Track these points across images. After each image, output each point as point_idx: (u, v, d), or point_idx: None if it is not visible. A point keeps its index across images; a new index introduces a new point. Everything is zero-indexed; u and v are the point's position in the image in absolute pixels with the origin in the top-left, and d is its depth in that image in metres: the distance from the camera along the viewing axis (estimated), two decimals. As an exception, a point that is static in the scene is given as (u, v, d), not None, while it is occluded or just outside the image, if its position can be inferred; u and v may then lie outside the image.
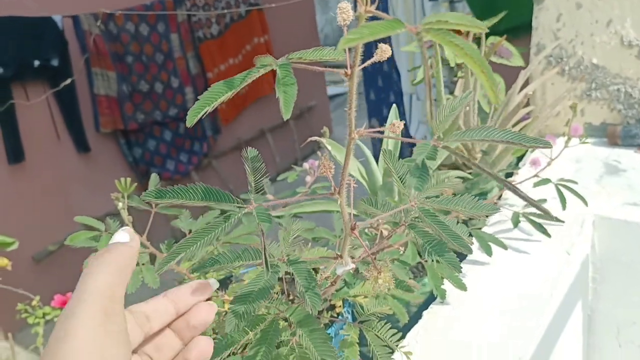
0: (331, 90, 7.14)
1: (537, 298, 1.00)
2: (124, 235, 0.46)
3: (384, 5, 3.09)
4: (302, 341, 0.62)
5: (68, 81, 3.11)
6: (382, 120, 2.88)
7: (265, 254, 0.47)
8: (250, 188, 0.50)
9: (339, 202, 0.49)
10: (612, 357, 1.27)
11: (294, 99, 0.41)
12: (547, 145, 0.46)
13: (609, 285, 1.25)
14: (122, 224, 0.85)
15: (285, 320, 0.58)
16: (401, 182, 0.56)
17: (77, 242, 0.77)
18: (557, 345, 1.08)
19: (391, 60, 3.13)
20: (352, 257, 0.58)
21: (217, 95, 0.42)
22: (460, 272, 0.54)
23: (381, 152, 1.16)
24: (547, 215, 1.10)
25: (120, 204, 0.82)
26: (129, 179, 0.85)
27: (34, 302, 1.74)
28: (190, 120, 0.42)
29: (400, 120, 0.58)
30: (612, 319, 1.26)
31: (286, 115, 0.40)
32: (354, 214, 1.21)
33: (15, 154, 3.41)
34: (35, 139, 3.53)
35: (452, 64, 1.38)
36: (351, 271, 0.57)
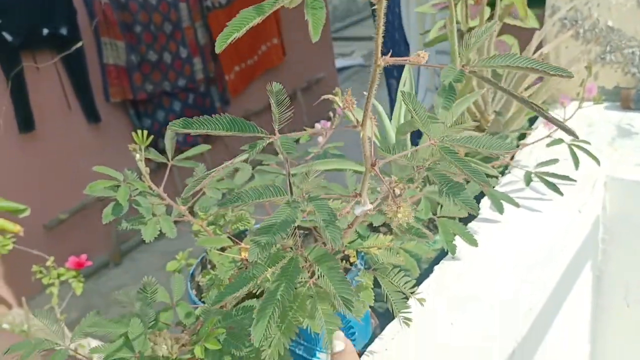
0: (339, 62, 7.10)
1: (547, 257, 1.01)
2: (340, 344, 0.54)
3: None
4: (321, 280, 0.63)
5: (79, 44, 3.10)
6: (392, 89, 2.87)
7: (289, 178, 0.47)
8: (274, 118, 0.51)
9: (361, 135, 0.50)
10: (620, 316, 1.28)
11: (322, 22, 0.41)
12: (569, 75, 0.46)
13: (619, 247, 1.26)
14: (140, 175, 0.86)
15: (305, 260, 0.59)
16: (421, 122, 0.57)
17: (96, 190, 0.78)
18: (566, 304, 1.10)
19: (401, 30, 3.10)
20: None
21: (247, 21, 0.43)
22: (478, 212, 0.55)
23: (398, 95, 1.16)
24: (561, 177, 1.11)
25: (137, 156, 0.83)
26: (145, 131, 0.86)
27: (48, 263, 1.77)
28: (220, 45, 0.42)
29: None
30: (621, 279, 1.27)
31: (315, 37, 0.40)
32: (361, 172, 1.22)
33: (26, 123, 3.43)
34: (46, 109, 3.54)
35: (464, 29, 1.37)
36: (369, 212, 0.58)
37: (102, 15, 3.69)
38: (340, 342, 0.52)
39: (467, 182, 1.11)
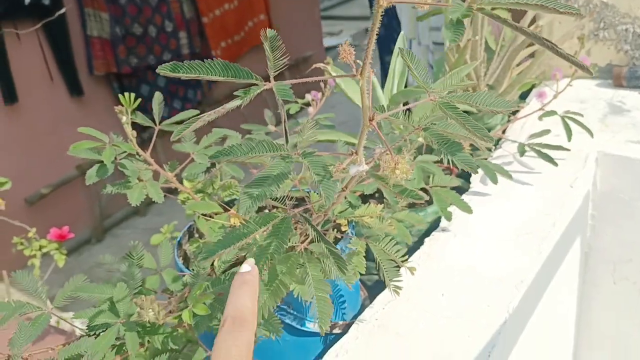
0: (327, 41, 7.03)
1: (538, 230, 1.00)
2: (247, 267, 0.53)
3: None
4: (313, 244, 0.62)
5: (62, 10, 3.01)
6: (386, 65, 2.84)
7: (284, 127, 0.45)
8: (270, 64, 0.49)
9: (360, 85, 0.48)
10: (607, 293, 1.29)
11: None
12: (577, 11, 0.45)
13: (607, 223, 1.26)
14: (125, 138, 0.84)
15: (297, 223, 0.57)
16: (420, 79, 0.55)
17: (79, 151, 0.76)
18: (555, 278, 1.10)
19: (392, 9, 3.06)
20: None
21: None
22: (477, 171, 0.53)
23: (391, 66, 1.14)
24: (555, 147, 1.10)
25: (124, 118, 0.80)
26: (132, 94, 0.83)
27: (30, 234, 1.73)
28: None
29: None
30: (609, 256, 1.28)
31: None
32: (352, 144, 1.20)
33: (9, 95, 3.35)
34: (28, 81, 3.46)
35: None
36: (364, 174, 0.56)
37: (86, -15, 3.61)
38: (248, 265, 0.51)
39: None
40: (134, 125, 0.84)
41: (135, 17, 3.93)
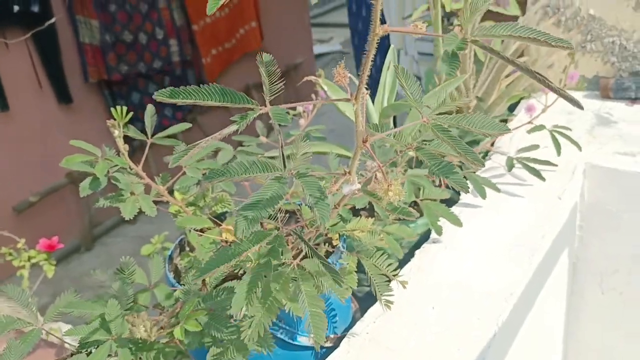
0: (317, 48, 7.06)
1: (527, 242, 1.01)
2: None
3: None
4: (306, 261, 0.62)
5: (52, 20, 3.01)
6: (372, 76, 2.86)
7: (281, 150, 0.46)
8: (265, 89, 0.49)
9: (354, 109, 0.48)
10: (594, 303, 1.30)
11: None
12: (569, 45, 0.46)
13: (594, 234, 1.27)
14: (118, 152, 0.84)
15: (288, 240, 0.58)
16: (414, 100, 0.56)
17: (73, 164, 0.76)
18: (544, 289, 1.11)
19: (382, 17, 3.08)
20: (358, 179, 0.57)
21: None
22: (468, 190, 0.54)
23: (381, 79, 1.14)
24: (543, 162, 1.11)
25: (116, 132, 0.80)
26: (125, 108, 0.83)
27: (19, 245, 1.72)
28: (210, 8, 0.40)
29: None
30: (596, 267, 1.29)
31: None
32: (343, 156, 1.20)
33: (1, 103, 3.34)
34: (17, 88, 3.45)
35: (448, 9, 1.36)
36: (356, 192, 0.56)
37: (75, -8, 3.60)
38: None
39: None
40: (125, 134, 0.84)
41: (126, 24, 3.93)
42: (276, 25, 5.19)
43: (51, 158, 3.76)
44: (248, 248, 0.52)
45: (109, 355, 0.64)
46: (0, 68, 3.32)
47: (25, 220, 3.60)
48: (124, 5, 3.89)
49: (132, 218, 0.76)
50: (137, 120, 0.87)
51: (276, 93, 0.50)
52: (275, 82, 0.49)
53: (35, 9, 3.44)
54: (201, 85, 0.47)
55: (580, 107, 0.50)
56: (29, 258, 1.71)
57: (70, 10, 3.61)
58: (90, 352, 0.63)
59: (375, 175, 0.65)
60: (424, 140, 0.58)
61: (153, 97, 0.50)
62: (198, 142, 0.48)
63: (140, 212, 0.84)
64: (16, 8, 3.35)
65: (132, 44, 3.98)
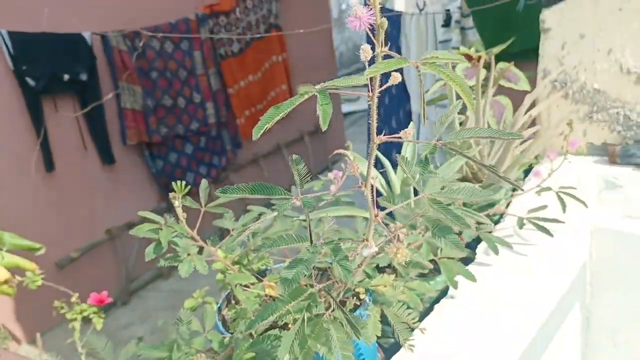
0: (345, 107, 7.29)
1: (537, 296, 1.12)
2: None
3: (395, 36, 3.24)
4: (335, 312, 0.75)
5: (110, 95, 3.28)
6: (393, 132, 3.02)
7: (309, 228, 0.60)
8: (297, 183, 0.64)
9: (365, 194, 0.62)
10: (607, 355, 1.38)
11: (330, 115, 0.55)
12: (521, 136, 0.59)
13: (606, 290, 1.36)
14: (177, 219, 0.99)
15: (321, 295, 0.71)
16: (415, 181, 0.70)
17: (141, 232, 0.90)
18: (555, 342, 1.20)
19: (401, 84, 3.25)
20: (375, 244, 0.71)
21: (274, 116, 0.57)
22: (463, 250, 0.67)
23: (399, 159, 1.29)
24: (551, 220, 1.23)
25: (176, 202, 0.96)
26: (183, 182, 0.99)
27: (72, 299, 1.87)
28: (256, 134, 0.56)
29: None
30: (609, 321, 1.38)
31: (324, 127, 0.54)
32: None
33: (47, 164, 3.57)
34: (63, 150, 3.69)
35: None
36: (374, 254, 0.70)
37: (120, 62, 3.88)
38: None
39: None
40: (165, 191, 0.99)
41: (166, 90, 4.20)
42: (306, 87, 5.43)
43: (93, 215, 3.97)
44: (287, 303, 0.66)
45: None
46: (49, 132, 3.58)
47: (66, 275, 3.77)
48: (165, 73, 4.17)
49: (163, 270, 0.90)
50: (173, 179, 1.02)
51: (305, 181, 0.64)
52: (305, 176, 0.64)
53: (84, 77, 3.72)
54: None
55: (519, 187, 0.63)
56: (81, 311, 1.85)
57: (114, 78, 3.89)
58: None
59: (396, 236, 0.78)
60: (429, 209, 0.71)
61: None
62: (249, 225, 0.63)
63: (174, 267, 0.96)
64: (66, 77, 3.64)
65: (171, 107, 4.24)
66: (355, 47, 9.63)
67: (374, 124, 0.61)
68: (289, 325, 0.79)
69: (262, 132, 0.56)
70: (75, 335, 1.90)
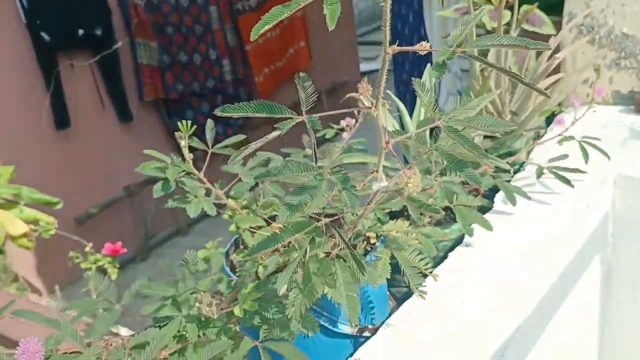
0: (364, 66, 7.17)
1: (556, 247, 1.08)
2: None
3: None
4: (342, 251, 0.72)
5: (118, 44, 3.24)
6: (412, 90, 2.95)
7: (314, 148, 0.56)
8: (302, 101, 0.60)
9: (375, 115, 0.58)
10: (627, 310, 1.34)
11: (337, 14, 0.51)
12: (547, 47, 0.54)
13: (628, 243, 1.32)
14: (184, 159, 0.96)
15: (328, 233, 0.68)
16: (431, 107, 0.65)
17: (147, 170, 0.88)
18: (573, 293, 1.16)
19: (422, 31, 3.15)
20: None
21: (277, 16, 0.52)
22: (480, 184, 0.62)
23: (415, 84, 1.24)
24: (572, 170, 1.18)
25: (182, 142, 0.93)
26: (189, 122, 0.96)
27: (86, 249, 1.88)
28: (254, 35, 0.52)
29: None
30: (629, 275, 1.33)
31: (331, 27, 0.50)
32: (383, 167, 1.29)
33: (62, 121, 3.57)
34: (81, 108, 3.68)
35: (489, 27, 1.45)
36: (384, 189, 0.66)
37: (136, 16, 3.82)
38: None
39: (482, 175, 1.19)
40: (179, 147, 0.96)
41: (182, 45, 4.14)
42: (324, 45, 5.34)
43: (111, 172, 3.99)
44: (290, 235, 0.63)
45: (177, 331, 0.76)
46: (65, 89, 3.56)
47: (85, 230, 3.81)
48: (180, 28, 4.11)
49: (182, 226, 0.87)
50: (190, 136, 0.99)
51: (311, 104, 0.60)
52: (311, 95, 0.60)
53: (99, 32, 3.68)
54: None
55: (548, 96, 0.58)
56: (95, 261, 1.86)
57: (130, 33, 3.84)
58: (162, 327, 0.74)
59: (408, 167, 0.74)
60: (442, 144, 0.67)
61: (210, 113, 0.62)
62: (249, 145, 0.59)
63: (192, 224, 0.94)
64: (81, 32, 3.60)
65: (187, 64, 4.19)
66: (374, 4, 9.43)
67: (387, 29, 0.56)
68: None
69: (261, 31, 0.52)
70: (90, 285, 1.92)
